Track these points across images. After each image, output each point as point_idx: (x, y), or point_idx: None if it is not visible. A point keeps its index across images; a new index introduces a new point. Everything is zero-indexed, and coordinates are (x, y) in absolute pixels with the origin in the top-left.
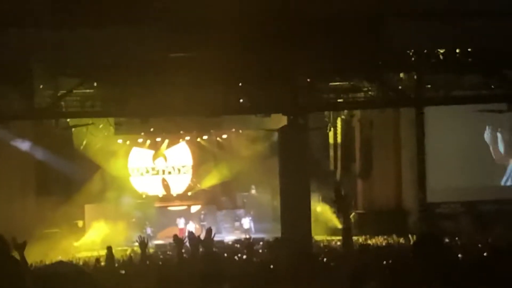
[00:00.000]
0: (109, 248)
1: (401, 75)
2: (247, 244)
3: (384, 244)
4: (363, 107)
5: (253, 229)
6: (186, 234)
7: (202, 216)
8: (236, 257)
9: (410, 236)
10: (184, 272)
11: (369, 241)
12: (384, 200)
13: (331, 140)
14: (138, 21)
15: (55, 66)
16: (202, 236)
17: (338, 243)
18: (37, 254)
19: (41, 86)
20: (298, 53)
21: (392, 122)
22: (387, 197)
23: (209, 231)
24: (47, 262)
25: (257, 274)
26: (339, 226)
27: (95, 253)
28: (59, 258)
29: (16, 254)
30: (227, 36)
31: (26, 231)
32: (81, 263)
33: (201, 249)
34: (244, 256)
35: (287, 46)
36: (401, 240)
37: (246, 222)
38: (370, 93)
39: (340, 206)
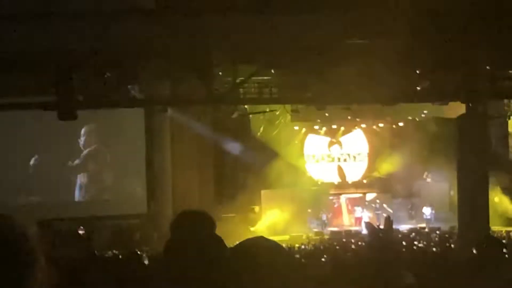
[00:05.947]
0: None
1: None
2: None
3: None
4: None
5: (433, 219)
6: (363, 223)
7: (377, 205)
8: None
9: None
10: (361, 259)
11: None
12: None
13: (510, 129)
14: (314, 7)
15: (234, 53)
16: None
17: None
18: None
19: (220, 73)
20: (477, 40)
21: None
22: None
23: (387, 219)
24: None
25: (434, 263)
26: None
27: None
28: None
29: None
30: (404, 23)
31: None
32: None
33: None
34: (420, 245)
35: (465, 32)
36: None
37: (427, 211)
38: None
39: None
